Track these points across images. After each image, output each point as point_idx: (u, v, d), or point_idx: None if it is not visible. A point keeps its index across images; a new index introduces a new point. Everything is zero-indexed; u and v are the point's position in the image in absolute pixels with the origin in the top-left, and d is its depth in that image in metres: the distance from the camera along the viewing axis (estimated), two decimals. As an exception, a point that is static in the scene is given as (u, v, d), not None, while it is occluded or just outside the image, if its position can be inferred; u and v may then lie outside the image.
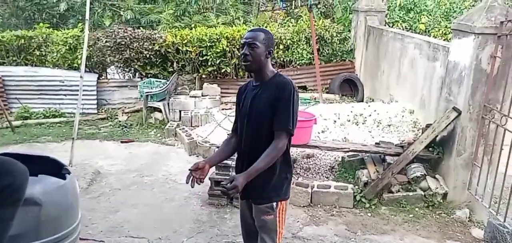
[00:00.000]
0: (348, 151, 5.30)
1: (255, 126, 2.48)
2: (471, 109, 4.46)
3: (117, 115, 8.29)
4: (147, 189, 5.20)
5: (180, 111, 7.73)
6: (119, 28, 8.52)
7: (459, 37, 4.60)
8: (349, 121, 6.63)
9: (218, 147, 5.14)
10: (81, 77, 5.71)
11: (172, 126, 7.30)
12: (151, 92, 7.86)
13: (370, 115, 6.68)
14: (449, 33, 8.74)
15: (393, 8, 9.87)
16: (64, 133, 7.31)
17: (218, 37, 8.36)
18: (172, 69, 8.58)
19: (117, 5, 11.39)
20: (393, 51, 7.54)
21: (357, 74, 9.15)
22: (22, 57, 8.60)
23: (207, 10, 10.76)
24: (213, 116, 7.42)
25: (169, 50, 8.38)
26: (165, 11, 10.48)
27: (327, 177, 5.39)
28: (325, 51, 9.20)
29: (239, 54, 8.27)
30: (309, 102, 8.19)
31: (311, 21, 8.62)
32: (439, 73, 5.68)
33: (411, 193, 4.78)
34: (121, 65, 8.68)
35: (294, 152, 5.77)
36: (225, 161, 4.68)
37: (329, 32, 9.08)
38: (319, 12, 10.37)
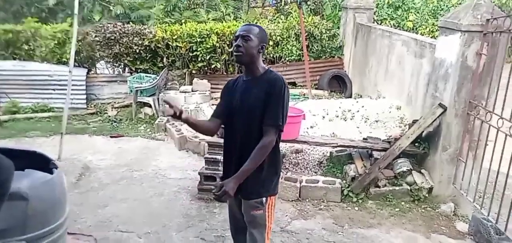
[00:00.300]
0: (336, 146, 5.34)
1: (245, 121, 2.48)
2: (456, 105, 4.52)
3: (106, 110, 8.24)
4: (137, 184, 5.20)
5: (170, 106, 7.69)
6: (109, 23, 8.47)
7: (446, 35, 4.66)
8: (337, 116, 6.69)
9: (208, 142, 5.17)
10: (70, 71, 5.68)
11: (162, 121, 7.29)
12: (141, 87, 7.84)
13: (358, 111, 6.75)
14: (436, 31, 8.85)
15: (382, 5, 9.98)
16: (53, 128, 7.24)
17: (208, 33, 8.37)
18: (162, 64, 8.58)
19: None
20: (381, 48, 7.62)
21: (345, 71, 9.23)
22: (10, 51, 8.49)
23: (197, 6, 10.76)
24: (203, 112, 7.42)
25: (159, 45, 8.38)
26: (155, 6, 10.45)
27: (315, 172, 5.43)
28: (314, 47, 9.26)
29: (229, 50, 8.29)
30: (298, 98, 8.25)
31: (300, 17, 8.67)
32: (426, 70, 5.74)
33: (397, 188, 4.84)
34: (111, 60, 8.65)
35: (283, 147, 5.80)
36: (214, 156, 4.76)
37: (318, 28, 9.14)
38: (308, 9, 10.43)
